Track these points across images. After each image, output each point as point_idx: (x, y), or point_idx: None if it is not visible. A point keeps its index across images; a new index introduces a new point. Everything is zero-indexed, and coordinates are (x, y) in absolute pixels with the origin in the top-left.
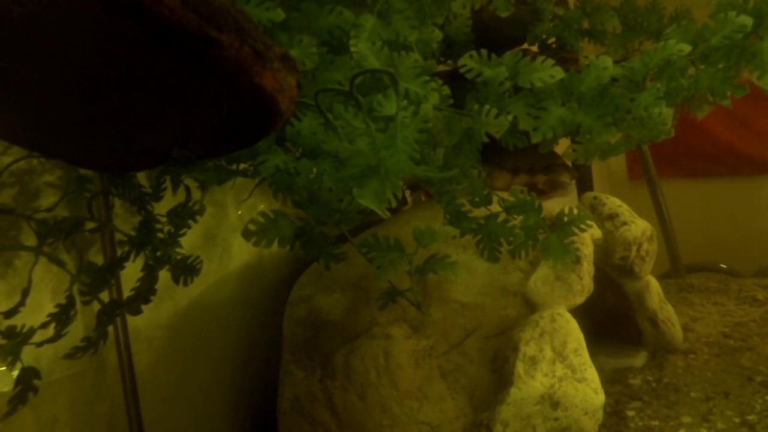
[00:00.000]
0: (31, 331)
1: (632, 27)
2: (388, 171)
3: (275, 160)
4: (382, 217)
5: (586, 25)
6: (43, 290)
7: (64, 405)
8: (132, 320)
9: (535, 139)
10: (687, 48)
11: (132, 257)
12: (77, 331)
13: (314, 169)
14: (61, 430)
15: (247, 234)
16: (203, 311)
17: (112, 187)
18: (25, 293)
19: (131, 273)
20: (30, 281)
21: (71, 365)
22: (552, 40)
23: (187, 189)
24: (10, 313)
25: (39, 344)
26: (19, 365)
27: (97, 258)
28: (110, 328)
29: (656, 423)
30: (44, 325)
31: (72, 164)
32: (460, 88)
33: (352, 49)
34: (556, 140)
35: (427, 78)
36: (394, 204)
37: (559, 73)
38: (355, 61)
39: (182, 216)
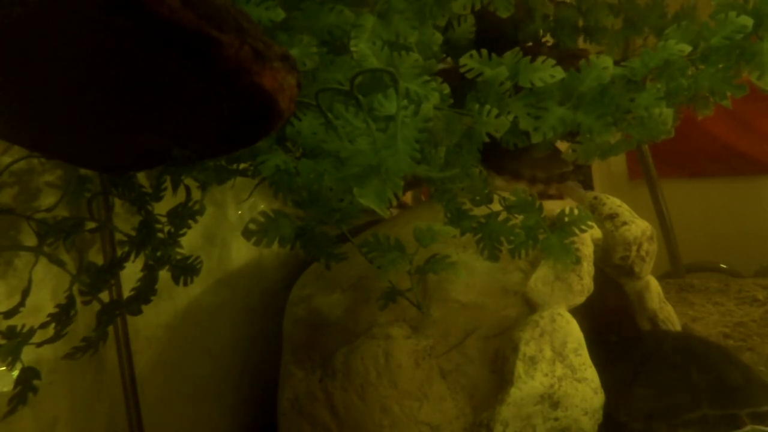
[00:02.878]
0: (31, 332)
1: (632, 24)
2: (389, 170)
3: (275, 160)
4: (383, 216)
5: (581, 23)
6: (43, 290)
7: (64, 405)
8: (132, 320)
9: (536, 138)
10: (687, 48)
11: (132, 257)
12: (77, 331)
13: (315, 169)
14: (61, 430)
15: (247, 234)
16: (203, 311)
17: (112, 187)
18: (25, 293)
19: (131, 273)
20: (30, 281)
21: (71, 365)
22: (547, 38)
23: (187, 189)
24: (10, 314)
25: (39, 344)
26: (19, 365)
27: (97, 258)
28: (110, 328)
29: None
30: (44, 326)
31: (72, 164)
32: (467, 87)
33: (353, 48)
34: (556, 140)
35: (427, 78)
36: (395, 203)
37: (559, 72)
38: (356, 60)
39: (182, 216)
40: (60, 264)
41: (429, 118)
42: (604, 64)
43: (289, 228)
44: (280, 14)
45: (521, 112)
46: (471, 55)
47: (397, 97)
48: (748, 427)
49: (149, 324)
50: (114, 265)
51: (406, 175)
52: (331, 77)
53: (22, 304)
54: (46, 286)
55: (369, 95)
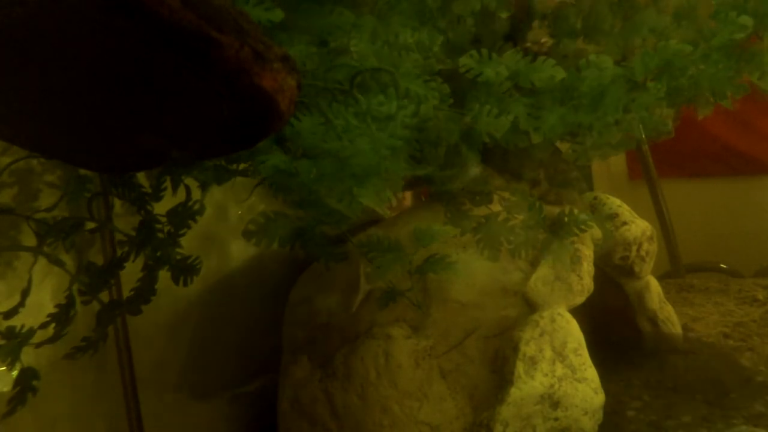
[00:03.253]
0: (31, 332)
1: (632, 24)
2: (388, 170)
3: (275, 160)
4: (383, 216)
5: (581, 23)
6: (43, 290)
7: (64, 405)
8: (132, 320)
9: (536, 138)
10: (688, 48)
11: (132, 257)
12: (77, 331)
13: (314, 169)
14: (60, 430)
15: (247, 234)
16: (203, 311)
17: (112, 187)
18: (25, 293)
19: (131, 273)
20: (30, 281)
21: (71, 365)
22: (545, 38)
23: (187, 189)
24: (9, 314)
25: (39, 344)
26: (18, 365)
27: (97, 258)
28: (110, 328)
29: (655, 421)
30: (44, 326)
31: (72, 164)
32: (468, 87)
33: (353, 48)
34: (556, 140)
35: (427, 77)
36: (394, 203)
37: (560, 72)
38: (356, 60)
39: (182, 216)
40: (60, 264)
41: (429, 117)
42: (604, 64)
43: (289, 228)
44: (279, 15)
45: (521, 112)
46: (471, 55)
47: (396, 96)
48: (743, 428)
49: (149, 324)
50: (114, 265)
51: (406, 175)
52: (331, 77)
53: (22, 304)
54: (46, 286)
55: (369, 95)
